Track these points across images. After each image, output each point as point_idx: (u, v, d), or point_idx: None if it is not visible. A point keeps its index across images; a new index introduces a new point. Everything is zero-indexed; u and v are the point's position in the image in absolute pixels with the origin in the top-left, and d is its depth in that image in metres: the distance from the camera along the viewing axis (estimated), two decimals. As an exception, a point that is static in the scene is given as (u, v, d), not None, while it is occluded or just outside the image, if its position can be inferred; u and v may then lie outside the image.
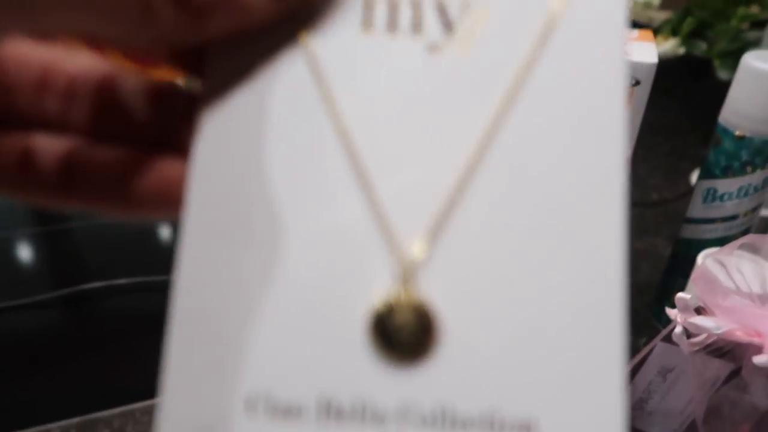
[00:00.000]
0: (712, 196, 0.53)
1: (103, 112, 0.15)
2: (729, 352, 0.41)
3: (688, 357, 0.42)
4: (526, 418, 0.12)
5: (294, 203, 0.13)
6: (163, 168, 0.15)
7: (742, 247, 0.41)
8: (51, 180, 0.15)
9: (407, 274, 0.13)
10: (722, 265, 0.39)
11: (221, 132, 0.13)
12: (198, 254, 0.13)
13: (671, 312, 0.41)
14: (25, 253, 0.72)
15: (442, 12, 0.14)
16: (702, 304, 0.39)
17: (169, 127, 0.15)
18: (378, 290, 0.13)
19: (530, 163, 0.13)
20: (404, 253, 0.13)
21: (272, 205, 0.13)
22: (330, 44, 0.14)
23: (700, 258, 0.43)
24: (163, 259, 0.72)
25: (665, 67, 0.47)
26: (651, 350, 0.45)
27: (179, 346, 0.13)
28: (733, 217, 0.54)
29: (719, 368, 0.43)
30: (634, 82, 0.45)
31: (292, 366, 0.13)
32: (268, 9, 0.13)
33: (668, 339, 0.44)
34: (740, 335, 0.38)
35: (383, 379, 0.13)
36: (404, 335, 0.13)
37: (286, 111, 0.14)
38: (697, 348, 0.40)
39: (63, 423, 0.49)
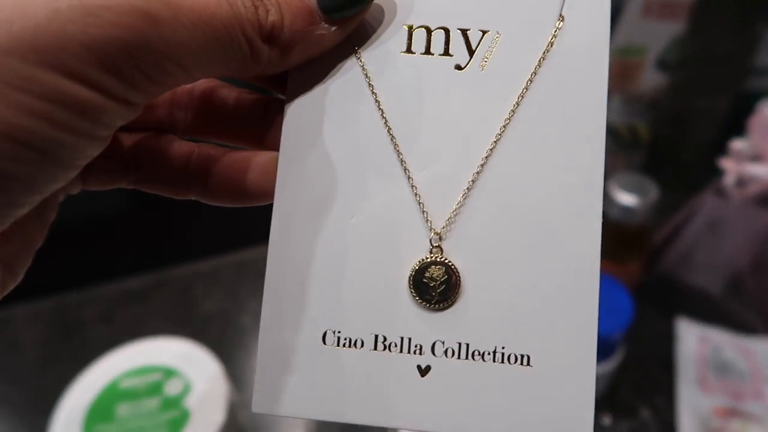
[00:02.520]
0: (782, 41, 0.49)
1: (208, 114, 0.20)
2: (782, 202, 0.41)
3: (739, 208, 0.42)
4: (524, 353, 0.17)
5: (355, 187, 0.18)
6: (252, 159, 0.19)
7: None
8: (177, 174, 0.20)
9: (438, 239, 0.17)
10: (784, 111, 0.37)
11: (301, 130, 0.18)
12: (284, 225, 0.18)
13: (724, 161, 0.40)
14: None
15: (466, 40, 0.18)
16: (758, 152, 0.38)
17: (255, 124, 0.19)
18: (416, 255, 0.17)
19: (528, 162, 0.18)
20: (433, 229, 0.18)
21: (340, 187, 0.18)
22: (380, 63, 0.18)
23: (757, 111, 0.41)
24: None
25: None
26: (700, 203, 0.45)
27: (272, 294, 0.18)
28: (804, 66, 0.50)
29: (770, 218, 0.42)
30: None
31: (354, 311, 0.17)
32: (335, 38, 0.17)
33: (719, 191, 0.43)
34: (796, 183, 0.37)
35: (421, 323, 0.17)
36: (434, 287, 0.17)
37: (349, 114, 0.18)
38: (748, 197, 0.40)
39: (139, 279, 0.54)
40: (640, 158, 0.60)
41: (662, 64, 0.53)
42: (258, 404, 0.17)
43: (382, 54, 0.18)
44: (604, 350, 0.39)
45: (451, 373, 0.17)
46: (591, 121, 0.18)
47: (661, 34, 0.51)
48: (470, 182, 0.18)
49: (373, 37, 0.18)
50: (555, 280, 0.17)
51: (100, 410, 0.35)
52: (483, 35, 0.18)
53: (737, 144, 0.38)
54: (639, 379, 0.45)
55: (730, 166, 0.40)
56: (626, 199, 0.42)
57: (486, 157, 0.18)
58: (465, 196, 0.18)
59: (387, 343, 0.17)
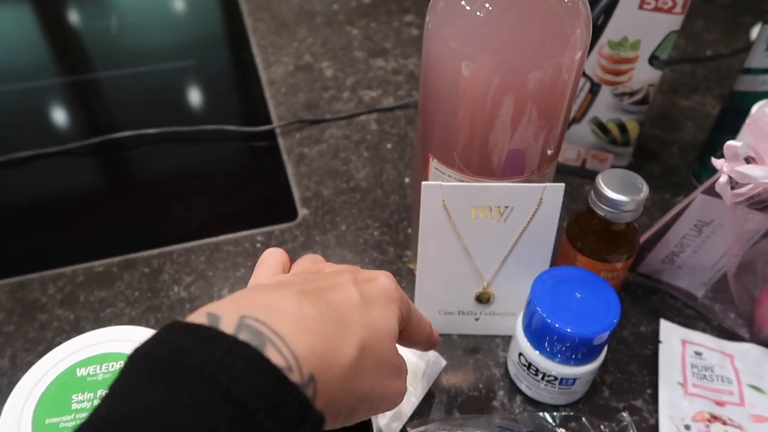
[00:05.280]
0: (777, 42, 0.48)
1: None
2: (773, 206, 0.40)
3: (729, 209, 0.41)
4: (513, 312, 0.46)
5: (449, 263, 0.43)
6: None
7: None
8: None
9: (486, 286, 0.44)
10: (781, 112, 0.36)
11: (429, 248, 0.43)
12: (423, 268, 0.44)
13: (717, 162, 0.39)
14: (54, 102, 0.71)
15: (500, 209, 0.40)
16: (752, 153, 0.37)
17: None
18: (477, 290, 0.44)
19: (520, 256, 0.42)
20: (485, 282, 0.44)
21: (444, 264, 0.43)
22: (460, 221, 0.41)
23: (756, 106, 0.40)
24: (188, 110, 0.71)
25: None
26: (689, 203, 0.44)
27: (422, 284, 0.44)
28: (797, 68, 0.50)
29: (760, 221, 0.41)
30: None
31: (452, 303, 0.45)
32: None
33: (710, 191, 0.42)
34: (789, 186, 0.36)
35: (478, 307, 0.45)
36: (484, 299, 0.45)
37: (451, 237, 0.42)
38: (740, 199, 0.39)
39: (105, 261, 0.52)
40: (628, 157, 0.59)
41: (655, 60, 0.51)
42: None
43: (461, 217, 0.40)
44: (590, 353, 0.38)
45: (486, 320, 0.46)
46: (546, 242, 0.42)
47: (656, 29, 0.50)
48: (498, 266, 0.43)
49: (458, 211, 0.40)
50: (522, 291, 0.42)
51: (54, 400, 0.33)
52: (506, 208, 0.40)
53: (731, 144, 0.37)
54: (619, 382, 0.44)
55: (722, 167, 0.39)
56: (615, 196, 0.40)
57: (506, 256, 0.42)
58: (498, 269, 0.43)
59: (464, 312, 0.46)
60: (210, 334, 0.20)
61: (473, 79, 0.36)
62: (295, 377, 0.21)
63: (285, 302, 0.23)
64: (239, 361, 0.19)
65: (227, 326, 0.21)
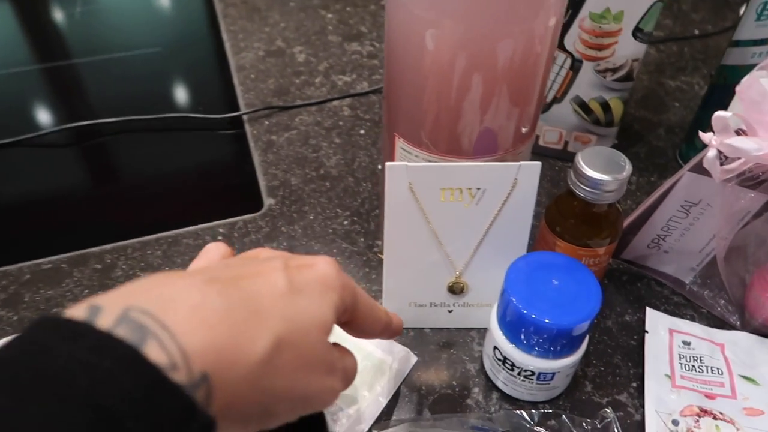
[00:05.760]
0: None
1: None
2: (765, 183, 0.37)
3: (719, 187, 0.38)
4: (488, 303, 0.42)
5: (418, 251, 0.40)
6: None
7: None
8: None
9: (458, 276, 0.41)
10: (774, 79, 0.33)
11: (396, 230, 0.39)
12: (390, 257, 0.40)
13: (705, 136, 0.36)
14: (8, 92, 0.67)
15: (471, 191, 0.37)
16: (743, 125, 0.34)
17: None
18: (449, 280, 0.41)
19: (494, 242, 0.39)
20: (457, 271, 0.41)
21: (412, 252, 0.40)
22: (428, 204, 0.37)
23: (747, 77, 0.37)
24: (154, 99, 0.67)
25: None
26: (676, 182, 0.41)
27: (389, 275, 0.41)
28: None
29: (751, 201, 0.38)
30: None
31: (422, 295, 0.42)
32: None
33: (697, 168, 0.39)
34: (783, 159, 0.33)
35: (451, 298, 0.42)
36: (457, 289, 0.42)
37: (418, 225, 0.38)
38: (730, 176, 0.36)
39: (54, 258, 0.48)
40: (612, 138, 0.56)
41: (639, 33, 0.48)
42: None
43: (430, 201, 0.37)
44: (569, 345, 0.35)
45: (460, 312, 0.43)
46: (522, 226, 0.39)
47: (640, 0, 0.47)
48: (471, 254, 0.40)
49: (426, 195, 0.37)
50: (497, 280, 0.38)
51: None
52: (478, 190, 0.37)
53: (721, 115, 0.34)
54: (602, 375, 0.41)
55: (711, 140, 0.36)
56: (596, 175, 0.37)
57: (479, 243, 0.39)
58: (471, 257, 0.40)
59: (436, 304, 0.42)
60: (78, 330, 0.17)
61: (439, 48, 0.33)
62: (180, 376, 0.18)
63: (184, 291, 0.20)
64: (107, 359, 0.16)
65: (105, 319, 0.18)
